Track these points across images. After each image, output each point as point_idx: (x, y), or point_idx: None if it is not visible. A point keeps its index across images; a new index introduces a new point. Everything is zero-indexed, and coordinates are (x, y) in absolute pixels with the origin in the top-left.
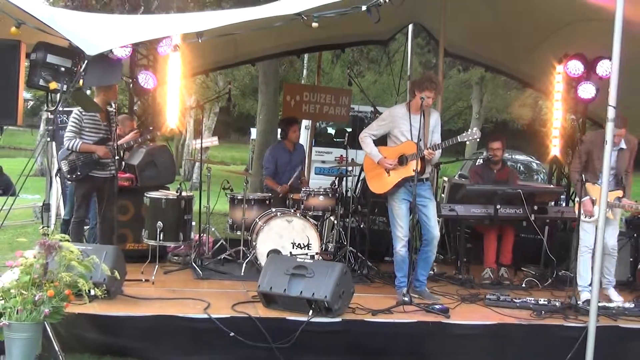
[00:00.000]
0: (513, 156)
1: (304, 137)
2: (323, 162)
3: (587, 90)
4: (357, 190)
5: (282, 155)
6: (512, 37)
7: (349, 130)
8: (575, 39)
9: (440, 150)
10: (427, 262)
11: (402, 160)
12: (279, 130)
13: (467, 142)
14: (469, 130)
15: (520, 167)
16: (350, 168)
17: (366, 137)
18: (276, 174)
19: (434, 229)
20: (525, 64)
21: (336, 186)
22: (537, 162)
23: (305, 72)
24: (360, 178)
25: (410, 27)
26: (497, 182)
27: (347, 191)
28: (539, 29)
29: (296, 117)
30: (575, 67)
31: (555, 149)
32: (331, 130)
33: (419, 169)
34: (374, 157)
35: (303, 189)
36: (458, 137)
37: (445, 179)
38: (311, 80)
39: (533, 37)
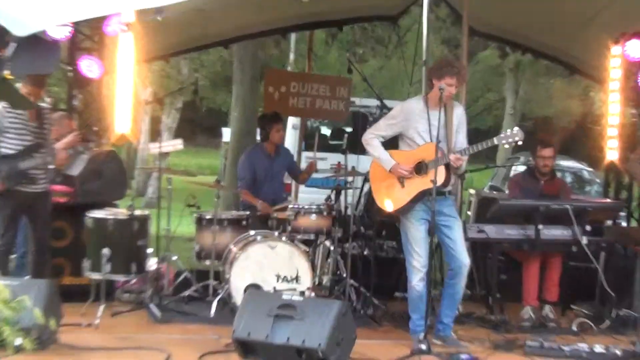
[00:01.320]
0: (558, 162)
1: (290, 139)
2: (316, 171)
3: None
4: (360, 207)
5: (262, 161)
6: (555, 11)
7: (349, 130)
8: (636, 13)
9: (466, 157)
10: (454, 299)
11: (421, 168)
12: (258, 130)
13: (507, 146)
14: (508, 130)
15: (567, 177)
16: (350, 179)
17: (373, 139)
18: (255, 185)
19: (463, 255)
20: (573, 45)
21: (332, 202)
22: (589, 169)
23: (292, 56)
24: (364, 191)
25: None
26: (545, 196)
27: (346, 208)
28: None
29: (280, 113)
30: (636, 48)
31: (611, 153)
32: (326, 131)
33: (443, 179)
34: (384, 164)
35: (290, 206)
36: (495, 139)
37: (472, 191)
38: (300, 67)
39: (582, 10)
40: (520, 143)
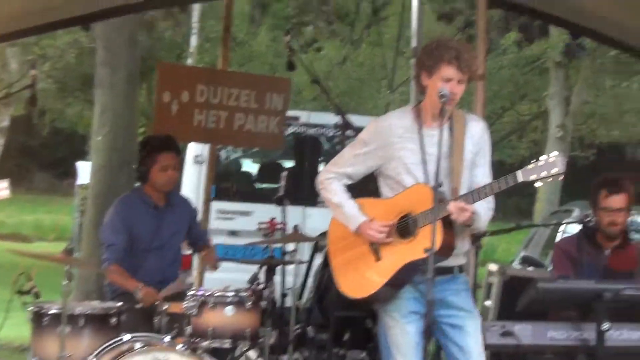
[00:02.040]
0: (637, 219)
1: (191, 181)
2: (233, 233)
3: None
4: (308, 294)
5: (144, 217)
6: None
7: (289, 166)
8: None
9: (490, 204)
10: None
11: (407, 227)
12: (137, 168)
13: (539, 184)
14: (542, 158)
15: None
16: (291, 246)
17: (331, 181)
18: (133, 258)
19: None
20: None
21: (262, 285)
22: None
23: (195, 40)
24: (316, 268)
25: None
26: (614, 275)
27: (284, 295)
28: None
29: (178, 137)
30: None
31: None
32: (250, 167)
33: (438, 244)
34: (348, 221)
35: (190, 293)
36: (519, 173)
37: (493, 267)
38: (208, 60)
39: None
40: (560, 178)
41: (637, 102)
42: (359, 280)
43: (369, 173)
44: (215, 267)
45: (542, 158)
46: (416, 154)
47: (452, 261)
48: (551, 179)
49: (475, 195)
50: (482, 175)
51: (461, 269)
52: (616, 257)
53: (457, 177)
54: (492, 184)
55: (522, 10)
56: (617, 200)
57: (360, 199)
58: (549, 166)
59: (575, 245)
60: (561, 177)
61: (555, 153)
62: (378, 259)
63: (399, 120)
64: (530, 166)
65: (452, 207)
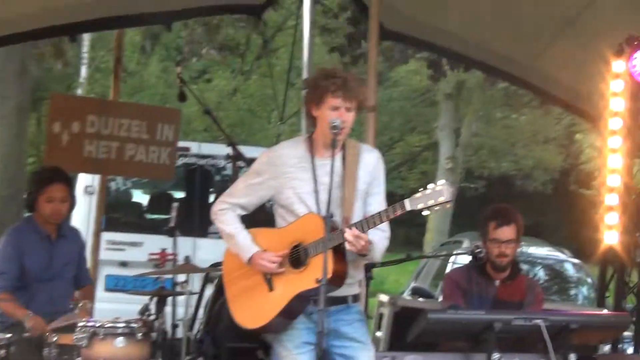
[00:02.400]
0: (525, 250)
1: (82, 212)
2: (123, 264)
3: None
4: (199, 324)
5: (34, 247)
6: (517, 3)
7: (179, 196)
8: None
9: (386, 233)
10: None
11: (299, 256)
12: (26, 197)
13: (427, 213)
14: (429, 186)
15: (540, 273)
16: (182, 277)
17: (225, 212)
18: (23, 288)
19: None
20: (547, 58)
21: (153, 316)
22: (575, 261)
23: (85, 71)
24: (207, 298)
25: None
26: (503, 305)
27: (175, 326)
28: None
29: (67, 168)
30: None
31: (610, 234)
32: (141, 197)
33: (329, 274)
34: (241, 251)
35: (81, 324)
36: (406, 202)
37: (384, 298)
38: (99, 91)
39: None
40: (448, 206)
41: (526, 134)
42: (252, 310)
43: (262, 203)
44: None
45: (430, 186)
46: (309, 183)
47: (345, 290)
48: (438, 207)
49: (365, 224)
50: (377, 204)
51: (355, 298)
52: (505, 288)
53: (349, 206)
54: (380, 213)
55: (412, 43)
56: (506, 232)
57: (254, 229)
58: (436, 194)
59: (465, 276)
60: (448, 206)
61: (443, 181)
62: (271, 289)
63: (292, 150)
64: (417, 195)
65: (349, 235)
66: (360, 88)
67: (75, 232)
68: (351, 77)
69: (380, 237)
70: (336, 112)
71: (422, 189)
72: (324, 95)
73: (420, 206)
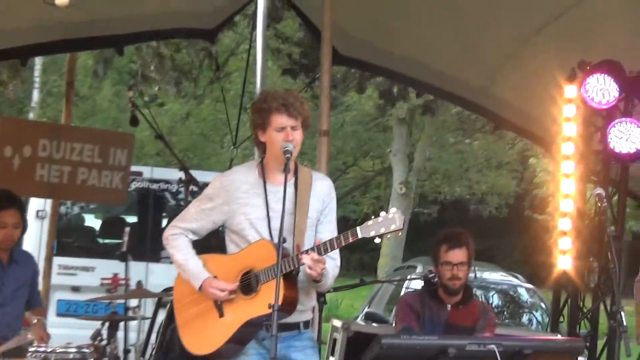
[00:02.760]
0: (480, 275)
1: (33, 236)
2: (75, 288)
3: (626, 136)
4: (152, 349)
5: None
6: (470, 27)
7: (132, 221)
8: (599, 32)
9: (337, 261)
10: None
11: (250, 283)
12: None
13: (379, 240)
14: (381, 214)
15: (493, 298)
16: (134, 302)
17: (177, 237)
18: None
19: None
20: (500, 82)
21: (104, 341)
22: (528, 286)
23: (37, 95)
24: (159, 323)
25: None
26: (455, 330)
27: (127, 352)
28: (529, 13)
29: (19, 192)
30: (603, 87)
31: (564, 259)
32: (93, 222)
33: (280, 299)
34: (192, 278)
35: (32, 349)
36: (358, 229)
37: (338, 323)
38: (51, 115)
39: (515, 26)
40: (399, 235)
41: (479, 159)
42: (202, 336)
43: (215, 228)
44: (43, 341)
45: (382, 215)
46: (261, 209)
47: (297, 317)
48: (390, 235)
49: (318, 250)
50: (328, 232)
51: (307, 324)
52: (457, 312)
53: (301, 234)
54: (332, 240)
55: (365, 67)
56: (458, 254)
57: (205, 255)
58: (387, 222)
59: (418, 300)
60: (400, 234)
61: (394, 210)
62: (221, 315)
63: (244, 176)
64: (369, 222)
65: (307, 259)
66: (302, 104)
67: (27, 257)
68: (292, 95)
69: (331, 265)
70: (283, 133)
71: (373, 216)
72: (268, 117)
73: (372, 234)
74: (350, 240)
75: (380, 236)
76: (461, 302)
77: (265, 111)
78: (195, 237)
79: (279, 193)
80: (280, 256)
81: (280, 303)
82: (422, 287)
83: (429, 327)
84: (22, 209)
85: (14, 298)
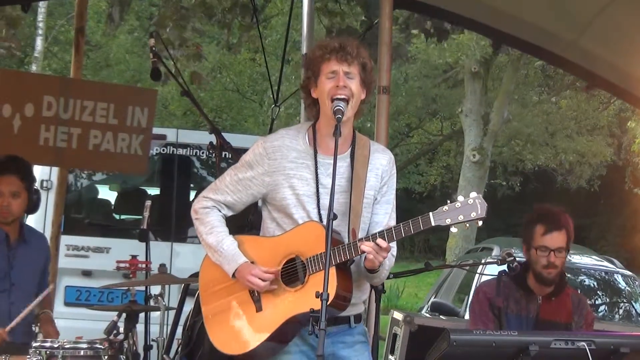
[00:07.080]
0: (569, 259)
1: (39, 211)
2: (87, 273)
3: None
4: (178, 345)
5: None
6: None
7: (154, 193)
8: None
9: (393, 250)
10: None
11: (295, 272)
12: None
13: (455, 230)
14: (459, 198)
15: (588, 286)
16: (157, 290)
17: (208, 211)
18: None
19: None
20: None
21: (121, 336)
22: (626, 272)
23: (41, 43)
24: (185, 314)
25: None
26: (545, 324)
27: (149, 348)
28: None
29: (18, 157)
30: None
31: None
32: (107, 194)
33: (332, 294)
34: (224, 261)
35: (35, 344)
36: (431, 215)
37: (399, 316)
38: (57, 67)
39: None
40: (480, 223)
41: (567, 122)
42: (235, 333)
43: (253, 202)
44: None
45: (460, 199)
46: (310, 184)
47: (347, 310)
48: (469, 224)
49: (384, 236)
50: (384, 213)
51: (358, 318)
52: (549, 305)
53: (357, 216)
54: (401, 226)
55: (432, 12)
56: (557, 239)
57: (240, 235)
58: (467, 209)
59: (498, 291)
60: (480, 223)
61: (474, 194)
62: (259, 309)
63: (293, 141)
64: (445, 208)
65: (367, 247)
66: (359, 49)
67: (41, 238)
68: (349, 40)
69: (387, 254)
70: (333, 81)
71: (449, 201)
72: (319, 66)
73: (447, 222)
74: (422, 228)
75: (458, 224)
76: (554, 293)
77: (316, 59)
78: (229, 213)
79: (331, 166)
80: (329, 239)
81: (332, 298)
82: (502, 275)
83: (514, 324)
84: (24, 175)
85: (22, 283)
